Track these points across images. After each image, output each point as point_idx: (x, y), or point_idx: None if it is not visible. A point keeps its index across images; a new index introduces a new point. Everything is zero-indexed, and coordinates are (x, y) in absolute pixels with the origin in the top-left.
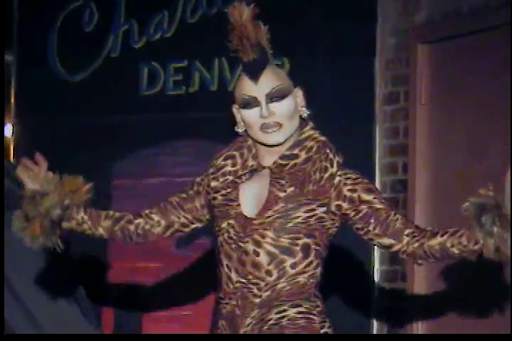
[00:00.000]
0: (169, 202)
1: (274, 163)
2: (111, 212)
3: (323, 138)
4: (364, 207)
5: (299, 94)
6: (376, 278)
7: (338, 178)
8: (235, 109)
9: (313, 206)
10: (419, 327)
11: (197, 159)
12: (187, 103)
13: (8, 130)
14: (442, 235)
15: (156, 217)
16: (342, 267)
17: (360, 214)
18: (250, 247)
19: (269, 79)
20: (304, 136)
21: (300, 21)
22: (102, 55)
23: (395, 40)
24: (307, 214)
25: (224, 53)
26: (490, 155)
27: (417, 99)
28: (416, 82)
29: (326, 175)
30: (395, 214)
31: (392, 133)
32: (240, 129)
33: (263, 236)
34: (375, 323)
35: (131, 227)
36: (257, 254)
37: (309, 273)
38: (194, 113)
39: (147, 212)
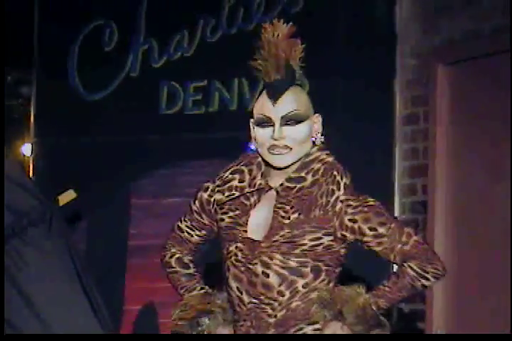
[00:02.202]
0: (189, 241)
1: (281, 185)
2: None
3: (330, 159)
4: (365, 240)
5: (317, 120)
6: None
7: (339, 206)
8: (251, 124)
9: (319, 234)
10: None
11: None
12: (206, 123)
13: (27, 149)
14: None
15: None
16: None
17: (363, 244)
18: (259, 269)
19: (288, 103)
20: (311, 157)
21: (321, 42)
22: (122, 74)
23: (415, 62)
24: (313, 243)
25: (244, 73)
26: (509, 176)
27: (436, 120)
28: (436, 103)
29: (332, 199)
30: (393, 249)
31: (412, 154)
32: (253, 145)
33: (271, 258)
34: None
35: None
36: (267, 276)
37: (322, 289)
38: (213, 133)
39: (186, 261)
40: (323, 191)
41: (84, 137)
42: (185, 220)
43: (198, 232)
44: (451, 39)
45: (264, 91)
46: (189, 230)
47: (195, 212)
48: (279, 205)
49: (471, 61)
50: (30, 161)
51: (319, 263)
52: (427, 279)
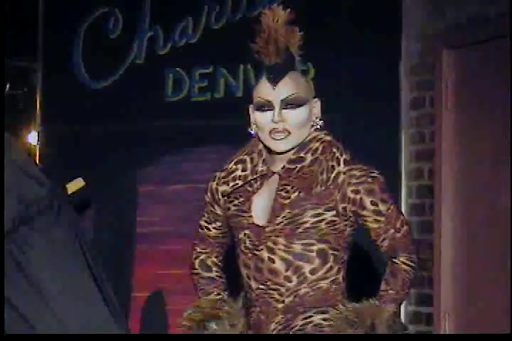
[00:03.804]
0: (208, 237)
1: (283, 167)
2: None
3: (328, 138)
4: (363, 213)
5: (316, 104)
6: None
7: (342, 177)
8: (251, 108)
9: (320, 210)
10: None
11: (222, 165)
12: (212, 109)
13: (33, 137)
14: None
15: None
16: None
17: (360, 218)
18: (265, 254)
19: (288, 86)
20: (308, 138)
21: (325, 26)
22: (127, 61)
23: (420, 46)
24: (315, 219)
25: (249, 59)
26: None
27: (442, 104)
28: (441, 87)
29: (333, 174)
30: (386, 231)
31: (418, 138)
32: (252, 130)
33: (275, 243)
34: None
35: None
36: (273, 261)
37: (331, 279)
38: (219, 119)
39: (209, 263)
40: (324, 168)
41: (90, 125)
42: (203, 215)
43: (213, 225)
44: (457, 23)
45: (264, 75)
46: (206, 224)
47: (209, 203)
48: (281, 187)
49: (477, 45)
50: (37, 149)
51: (324, 246)
52: (416, 270)
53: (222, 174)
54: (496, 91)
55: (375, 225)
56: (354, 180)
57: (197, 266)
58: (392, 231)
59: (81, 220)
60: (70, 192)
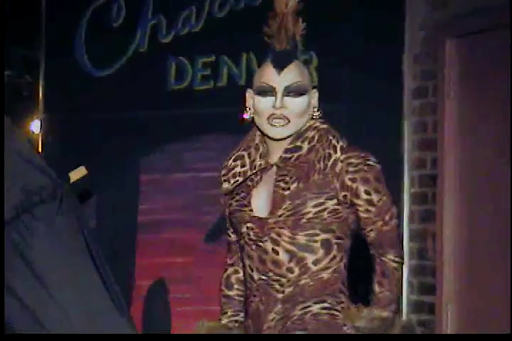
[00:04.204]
0: (232, 243)
1: (280, 158)
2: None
3: (324, 126)
4: (356, 202)
5: (315, 95)
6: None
7: (340, 165)
8: (248, 93)
9: (321, 200)
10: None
11: (224, 154)
12: (215, 98)
13: (36, 126)
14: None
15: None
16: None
17: (353, 209)
18: (269, 246)
19: (293, 73)
20: (304, 127)
21: (329, 17)
22: (130, 49)
23: (424, 35)
24: (317, 209)
25: (252, 48)
26: None
27: (445, 93)
28: (444, 76)
29: (330, 162)
30: (375, 222)
31: (421, 127)
32: (248, 115)
33: (279, 235)
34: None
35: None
36: (277, 253)
37: (333, 268)
38: (222, 108)
39: (233, 280)
40: (321, 156)
41: (93, 113)
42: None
43: (231, 229)
44: (460, 12)
45: (269, 61)
46: (228, 231)
47: (224, 205)
48: (280, 178)
49: (480, 34)
50: (40, 138)
51: (329, 236)
52: (402, 265)
53: (223, 172)
54: (499, 81)
55: (365, 215)
56: (351, 168)
57: (223, 281)
58: (380, 223)
59: (83, 209)
60: (72, 181)
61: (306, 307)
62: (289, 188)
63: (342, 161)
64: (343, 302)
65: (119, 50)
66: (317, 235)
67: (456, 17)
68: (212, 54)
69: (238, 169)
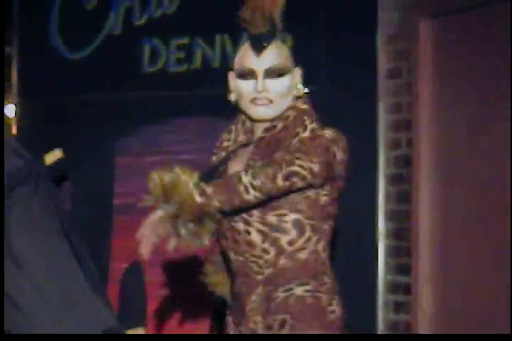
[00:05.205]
0: None
1: (258, 137)
2: None
3: (304, 107)
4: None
5: (297, 74)
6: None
7: (294, 142)
8: (231, 76)
9: None
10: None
11: (199, 136)
12: (189, 80)
13: (11, 110)
14: None
15: None
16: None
17: None
18: (241, 226)
19: (272, 55)
20: (287, 107)
21: None
22: (104, 32)
23: (398, 15)
24: None
25: (226, 29)
26: (493, 129)
27: (419, 74)
28: (419, 56)
29: (295, 140)
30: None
31: (395, 108)
32: (232, 97)
33: (250, 215)
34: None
35: None
36: (249, 233)
37: (310, 249)
38: (196, 90)
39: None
40: (290, 133)
41: (67, 96)
42: None
43: None
44: None
45: (247, 44)
46: None
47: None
48: (252, 157)
49: (454, 14)
50: (14, 121)
51: (299, 216)
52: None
53: (216, 144)
54: (474, 61)
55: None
56: (298, 144)
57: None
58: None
59: (59, 191)
60: (48, 164)
61: (289, 290)
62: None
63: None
64: (326, 283)
65: (93, 32)
66: (286, 215)
67: None
68: (186, 36)
69: (225, 143)
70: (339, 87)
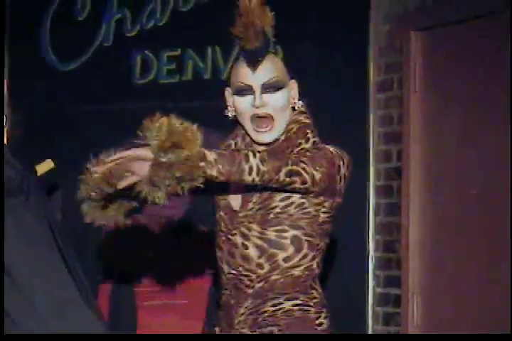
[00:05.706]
0: None
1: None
2: None
3: (307, 121)
4: None
5: (294, 86)
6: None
7: (296, 151)
8: (227, 92)
9: (287, 193)
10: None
11: None
12: (180, 92)
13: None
14: None
15: None
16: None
17: None
18: (239, 240)
19: (267, 70)
20: (290, 121)
21: (294, 9)
22: (95, 44)
23: (389, 27)
24: (284, 203)
25: (217, 42)
26: (482, 142)
27: (410, 86)
28: (409, 69)
29: (296, 150)
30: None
31: (386, 120)
32: (229, 113)
33: (249, 229)
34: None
35: None
36: (246, 247)
37: (304, 266)
38: (187, 102)
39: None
40: (292, 144)
41: (58, 107)
42: None
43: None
44: (424, 4)
45: (241, 59)
46: None
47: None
48: None
49: (444, 27)
50: (5, 132)
51: (298, 233)
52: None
53: None
54: (464, 74)
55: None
56: (302, 158)
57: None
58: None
59: (50, 201)
60: (39, 174)
61: (277, 304)
62: None
63: (308, 150)
64: (315, 297)
65: (84, 44)
66: (286, 231)
67: (421, 9)
68: (177, 48)
69: None
70: (330, 99)
